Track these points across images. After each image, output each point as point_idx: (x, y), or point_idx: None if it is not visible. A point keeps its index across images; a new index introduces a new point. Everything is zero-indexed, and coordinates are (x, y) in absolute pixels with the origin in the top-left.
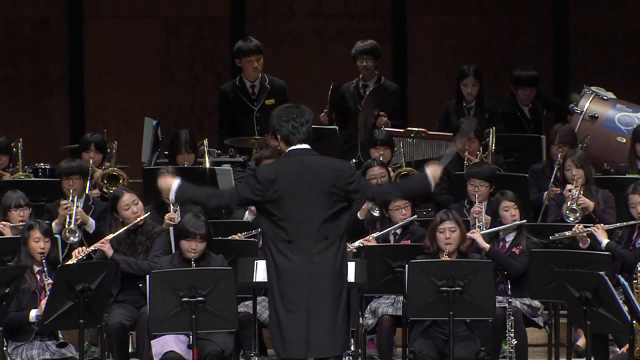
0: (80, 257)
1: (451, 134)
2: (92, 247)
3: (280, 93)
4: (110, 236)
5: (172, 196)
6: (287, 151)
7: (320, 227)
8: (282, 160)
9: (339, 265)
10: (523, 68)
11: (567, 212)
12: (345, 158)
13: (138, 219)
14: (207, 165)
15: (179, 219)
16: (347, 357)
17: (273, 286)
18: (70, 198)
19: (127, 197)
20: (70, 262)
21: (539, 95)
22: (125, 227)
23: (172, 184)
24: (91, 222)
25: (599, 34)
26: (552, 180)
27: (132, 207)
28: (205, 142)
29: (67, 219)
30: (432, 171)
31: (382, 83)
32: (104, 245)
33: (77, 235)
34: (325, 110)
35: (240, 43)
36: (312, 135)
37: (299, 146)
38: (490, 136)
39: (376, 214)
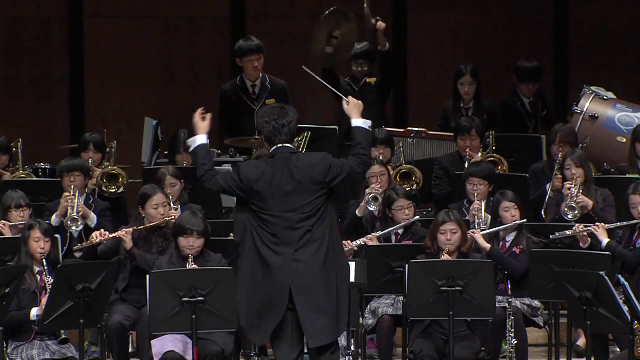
0: (101, 239)
1: (451, 134)
2: (115, 234)
3: (281, 93)
4: (134, 229)
5: (190, 142)
6: (270, 151)
7: (302, 222)
8: (265, 160)
9: (323, 257)
10: (526, 59)
11: (566, 209)
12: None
13: (161, 220)
14: None
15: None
16: (347, 357)
17: (250, 279)
18: (72, 192)
19: (159, 198)
20: (89, 243)
21: (541, 94)
22: (150, 225)
23: (200, 135)
24: (93, 216)
25: (600, 31)
26: (552, 179)
27: (160, 208)
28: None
29: (69, 210)
30: (354, 113)
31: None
32: (127, 235)
33: (79, 224)
34: None
35: (241, 42)
36: (296, 134)
37: (280, 146)
38: (491, 139)
39: (372, 208)
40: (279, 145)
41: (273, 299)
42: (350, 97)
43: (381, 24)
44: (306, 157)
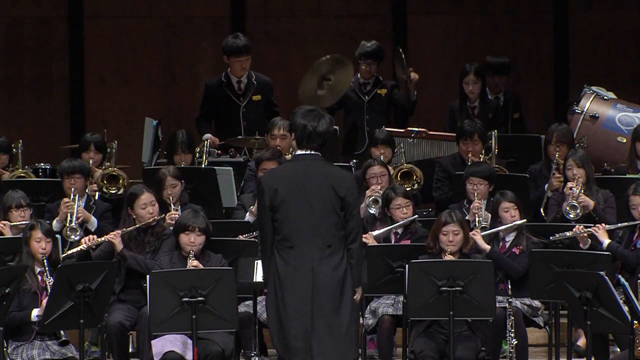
0: (89, 245)
1: (451, 134)
2: (102, 238)
3: (266, 89)
4: (122, 231)
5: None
6: (295, 154)
7: (322, 234)
8: (287, 165)
9: (342, 272)
10: (496, 55)
11: (568, 208)
12: (348, 152)
13: (151, 219)
14: (204, 165)
15: None
16: None
17: (275, 291)
18: (72, 196)
19: (146, 197)
20: (77, 249)
21: (514, 96)
22: (138, 225)
23: None
24: (93, 220)
25: (600, 35)
26: (550, 179)
27: (148, 207)
28: (207, 143)
29: (69, 217)
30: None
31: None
32: (115, 238)
33: (78, 233)
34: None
35: (230, 41)
36: (325, 145)
37: (307, 152)
38: (493, 139)
39: (372, 211)
40: (305, 151)
41: (295, 316)
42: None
43: (415, 75)
44: (332, 168)
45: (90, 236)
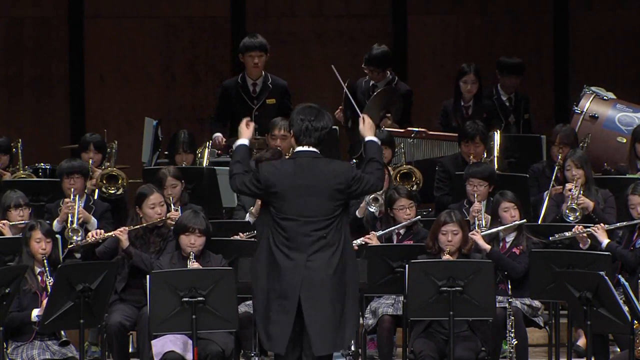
0: (97, 238)
1: (451, 134)
2: (110, 233)
3: (282, 93)
4: (129, 228)
5: (236, 143)
6: (294, 151)
7: (318, 228)
8: (286, 161)
9: (335, 264)
10: (508, 56)
11: (567, 211)
12: (351, 153)
13: (158, 220)
14: (205, 165)
15: None
16: (347, 357)
17: (266, 281)
18: (72, 197)
19: (155, 197)
20: (83, 242)
21: (525, 96)
22: (145, 224)
23: (242, 139)
24: (93, 220)
25: (600, 35)
26: (552, 180)
27: (157, 207)
28: (208, 144)
29: (70, 218)
30: (367, 133)
31: (394, 84)
32: (122, 234)
33: (79, 234)
34: (340, 107)
35: (246, 39)
36: (323, 141)
37: (306, 148)
38: (495, 139)
39: (372, 209)
40: (304, 147)
41: (282, 304)
42: (365, 117)
43: (385, 121)
44: (331, 164)
45: (98, 230)
